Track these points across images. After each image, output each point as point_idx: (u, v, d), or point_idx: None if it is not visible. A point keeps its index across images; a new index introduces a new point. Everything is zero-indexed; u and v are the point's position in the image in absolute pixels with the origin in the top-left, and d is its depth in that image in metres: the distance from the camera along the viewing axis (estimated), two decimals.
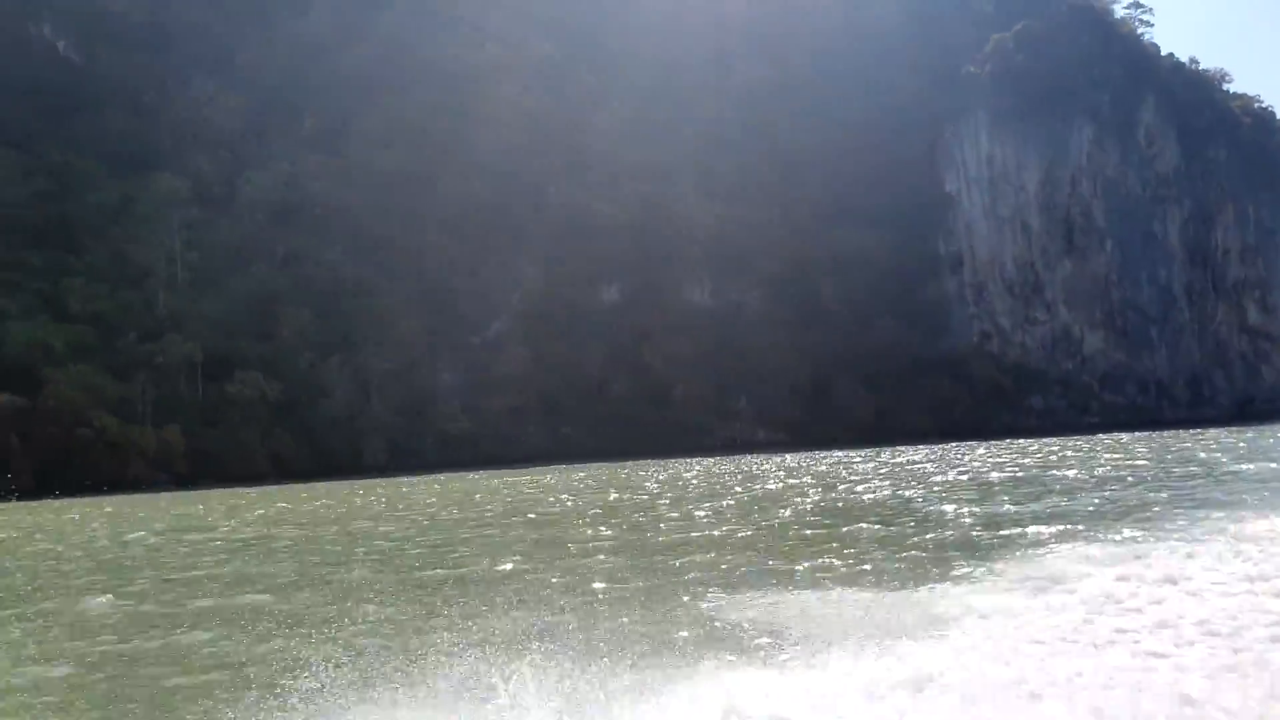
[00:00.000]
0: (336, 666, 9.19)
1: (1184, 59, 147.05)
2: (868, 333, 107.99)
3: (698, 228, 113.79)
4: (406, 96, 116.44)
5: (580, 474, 62.00)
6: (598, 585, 14.13)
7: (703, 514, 25.50)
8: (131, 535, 31.48)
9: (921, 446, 74.06)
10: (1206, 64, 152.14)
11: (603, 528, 23.34)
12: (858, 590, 12.24)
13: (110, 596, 16.03)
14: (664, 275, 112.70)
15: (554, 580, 14.88)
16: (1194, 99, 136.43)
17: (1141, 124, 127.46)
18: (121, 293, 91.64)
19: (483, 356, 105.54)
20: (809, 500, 28.77)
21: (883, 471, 42.82)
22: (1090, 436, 73.63)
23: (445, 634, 10.81)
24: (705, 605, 11.88)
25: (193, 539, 28.21)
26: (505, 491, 45.16)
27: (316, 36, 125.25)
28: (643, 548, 18.55)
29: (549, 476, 60.15)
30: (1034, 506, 22.50)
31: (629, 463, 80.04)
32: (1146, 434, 74.04)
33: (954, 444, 77.36)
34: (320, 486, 68.33)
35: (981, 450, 62.33)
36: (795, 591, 12.38)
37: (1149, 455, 44.83)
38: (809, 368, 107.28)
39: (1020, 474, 36.45)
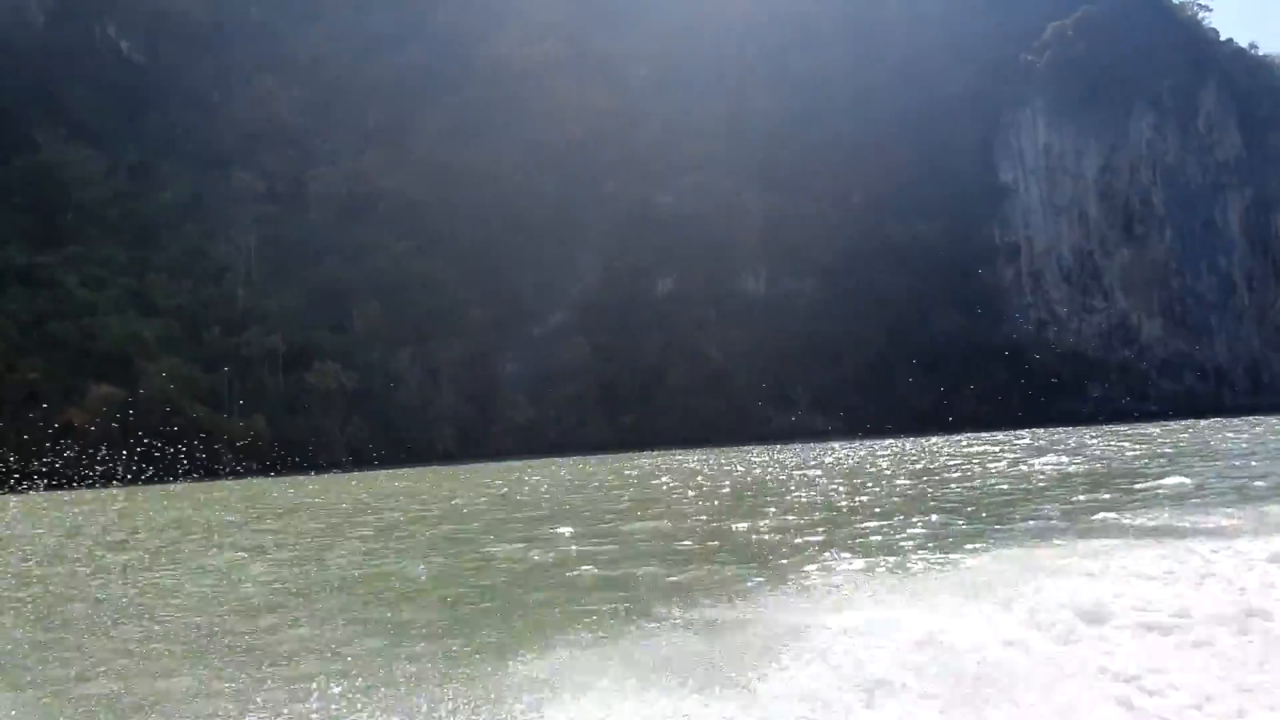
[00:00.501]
0: None
1: (1244, 44, 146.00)
2: (925, 321, 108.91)
3: (753, 218, 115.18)
4: (467, 92, 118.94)
5: (654, 460, 63.73)
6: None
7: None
8: (456, 500, 34.44)
9: (999, 434, 74.90)
10: (1267, 49, 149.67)
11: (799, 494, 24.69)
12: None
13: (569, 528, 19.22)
14: (720, 266, 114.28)
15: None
16: (1255, 85, 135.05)
17: (1202, 111, 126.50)
18: (202, 287, 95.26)
19: (544, 347, 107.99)
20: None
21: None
22: (1164, 423, 74.13)
23: None
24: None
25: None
26: (649, 473, 46.78)
27: (375, 33, 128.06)
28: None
29: (644, 461, 61.96)
30: None
31: (697, 450, 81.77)
32: (1225, 420, 74.21)
33: (1022, 431, 78.09)
34: (428, 471, 71.02)
35: (1059, 436, 63.05)
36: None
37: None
38: (866, 356, 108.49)
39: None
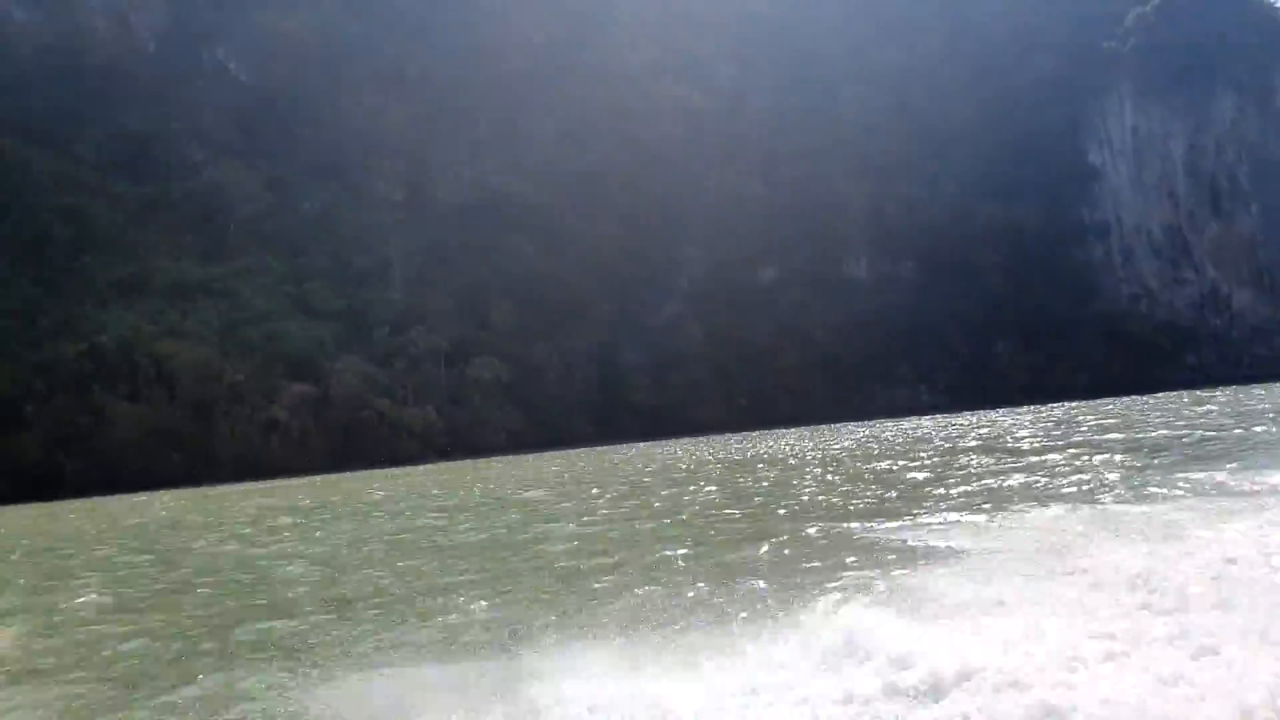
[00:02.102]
0: None
1: None
2: (1021, 298, 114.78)
3: (851, 206, 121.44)
4: (572, 97, 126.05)
5: (795, 437, 70.12)
6: None
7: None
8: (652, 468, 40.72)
9: (1110, 401, 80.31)
10: None
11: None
12: None
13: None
14: (820, 252, 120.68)
15: None
16: None
17: (1278, 90, 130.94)
18: (356, 292, 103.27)
19: (661, 336, 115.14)
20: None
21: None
22: (1264, 385, 79.32)
23: None
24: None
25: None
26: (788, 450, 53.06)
27: (478, 46, 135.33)
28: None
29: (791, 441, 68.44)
30: None
31: (806, 428, 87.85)
32: None
33: (1134, 398, 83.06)
34: (587, 452, 78.12)
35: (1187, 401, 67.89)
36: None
37: None
38: (966, 333, 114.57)
39: None
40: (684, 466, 39.87)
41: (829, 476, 25.49)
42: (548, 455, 79.02)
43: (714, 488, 25.54)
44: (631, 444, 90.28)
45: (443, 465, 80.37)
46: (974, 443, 36.17)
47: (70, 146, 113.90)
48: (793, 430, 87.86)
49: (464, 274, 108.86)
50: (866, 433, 61.83)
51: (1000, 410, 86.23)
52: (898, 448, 38.87)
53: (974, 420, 66.37)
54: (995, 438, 39.26)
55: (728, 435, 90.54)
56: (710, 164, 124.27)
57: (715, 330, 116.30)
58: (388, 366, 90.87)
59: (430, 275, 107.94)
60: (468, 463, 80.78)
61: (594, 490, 29.62)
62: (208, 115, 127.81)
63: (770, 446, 54.47)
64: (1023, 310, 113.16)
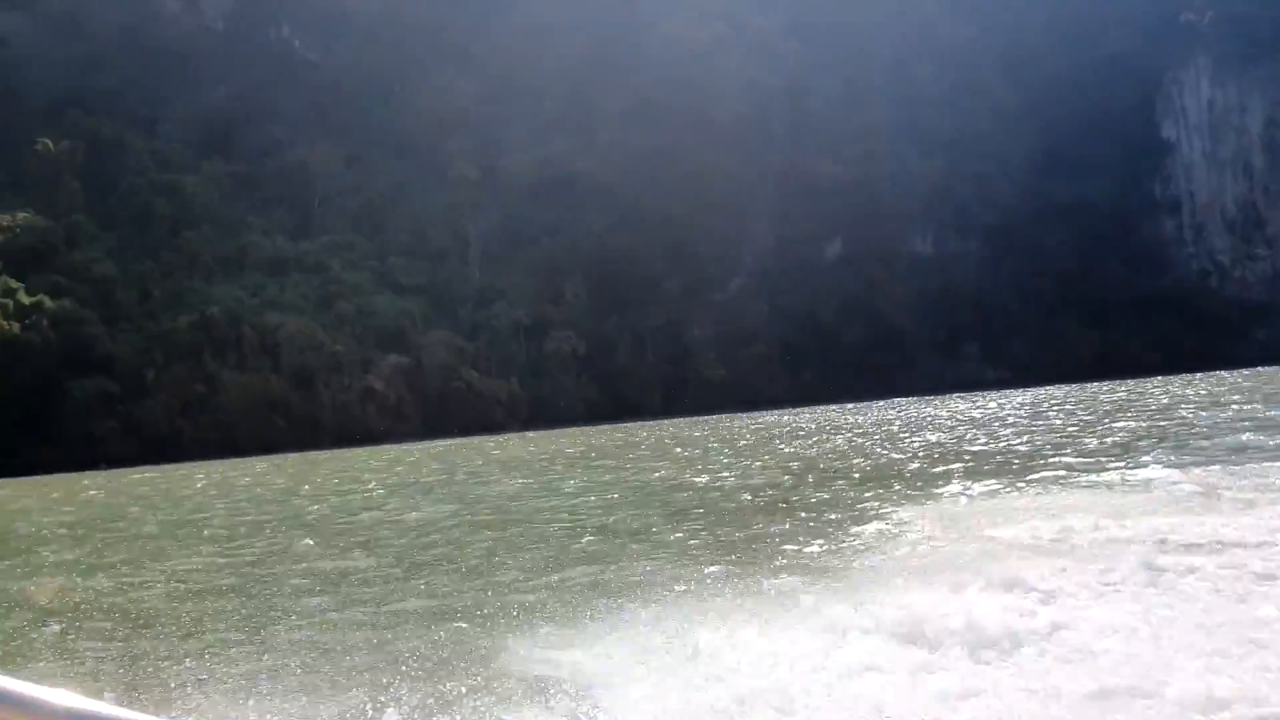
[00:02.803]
0: None
1: None
2: (1088, 274, 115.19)
3: (917, 182, 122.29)
4: (641, 75, 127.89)
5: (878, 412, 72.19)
6: None
7: None
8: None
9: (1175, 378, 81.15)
10: None
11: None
12: None
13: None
14: (886, 228, 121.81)
15: None
16: None
17: None
18: (436, 267, 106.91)
19: (728, 311, 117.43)
20: None
21: None
22: None
23: None
24: None
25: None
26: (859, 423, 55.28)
27: (546, 23, 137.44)
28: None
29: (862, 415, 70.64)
30: None
31: (875, 402, 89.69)
32: None
33: (1213, 373, 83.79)
34: (660, 424, 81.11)
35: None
36: None
37: None
38: (1033, 309, 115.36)
39: None
40: (805, 444, 42.60)
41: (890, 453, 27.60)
42: (629, 426, 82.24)
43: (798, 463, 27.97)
44: (702, 417, 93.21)
45: (530, 434, 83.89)
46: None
47: (157, 126, 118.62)
48: (856, 404, 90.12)
49: (538, 250, 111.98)
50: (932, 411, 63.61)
51: (1068, 386, 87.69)
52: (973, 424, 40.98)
53: (1042, 395, 68.09)
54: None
55: (797, 410, 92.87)
56: (776, 141, 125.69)
57: (781, 306, 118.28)
58: (473, 340, 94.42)
59: (506, 252, 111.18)
60: (552, 432, 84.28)
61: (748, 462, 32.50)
62: (280, 94, 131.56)
63: (837, 420, 56.89)
64: (1092, 287, 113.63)
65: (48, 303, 73.85)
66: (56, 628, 10.25)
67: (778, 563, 10.56)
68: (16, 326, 70.68)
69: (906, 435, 33.91)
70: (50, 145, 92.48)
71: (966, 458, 21.91)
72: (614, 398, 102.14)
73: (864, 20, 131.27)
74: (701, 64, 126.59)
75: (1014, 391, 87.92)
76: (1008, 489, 15.18)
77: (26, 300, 73.51)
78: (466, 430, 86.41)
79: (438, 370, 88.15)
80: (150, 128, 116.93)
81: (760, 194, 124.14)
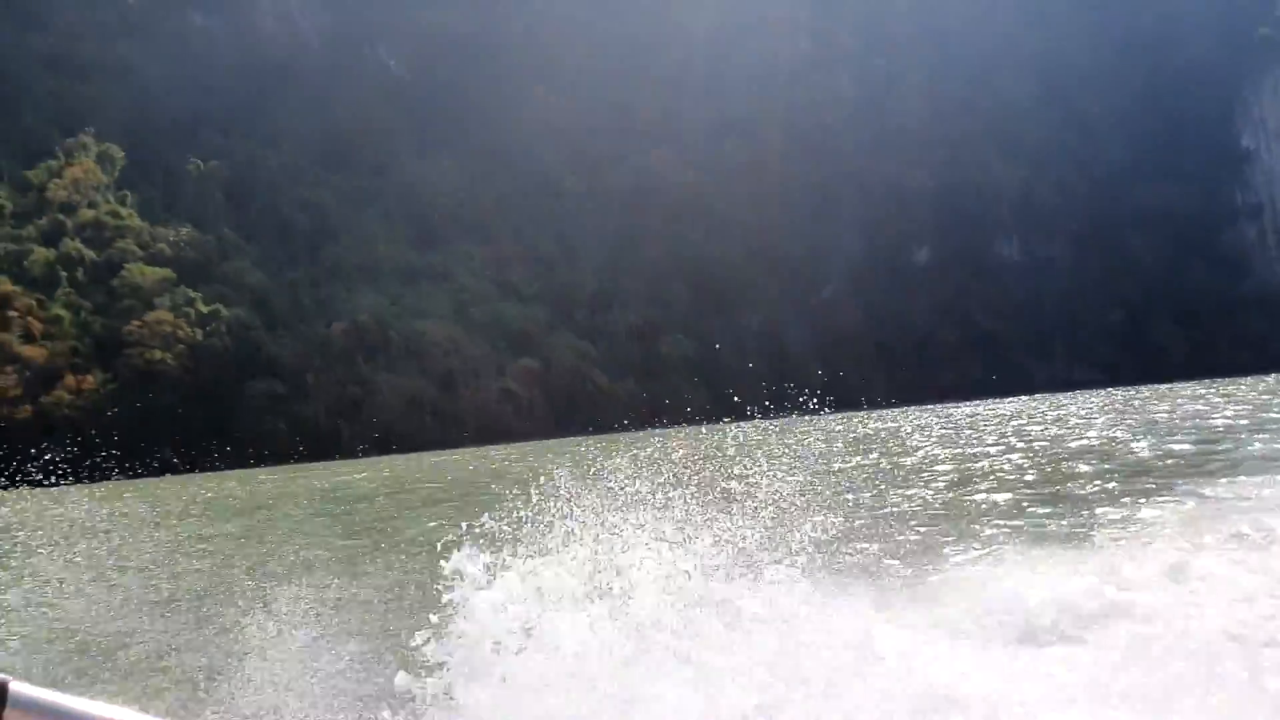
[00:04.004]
0: None
1: None
2: (1175, 278, 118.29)
3: (1002, 190, 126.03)
4: (731, 89, 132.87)
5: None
6: None
7: None
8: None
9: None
10: None
11: None
12: None
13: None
14: (974, 235, 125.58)
15: None
16: None
17: None
18: (549, 275, 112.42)
19: (823, 315, 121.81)
20: None
21: None
22: None
23: None
24: None
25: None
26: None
27: (636, 39, 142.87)
28: None
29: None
30: None
31: (966, 404, 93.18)
32: None
33: None
34: (769, 423, 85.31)
35: None
36: None
37: None
38: (1121, 312, 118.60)
39: None
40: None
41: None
42: (746, 425, 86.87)
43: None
44: (805, 416, 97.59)
45: (658, 431, 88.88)
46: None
47: (278, 143, 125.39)
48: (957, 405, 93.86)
49: (641, 257, 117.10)
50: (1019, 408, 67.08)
51: (1161, 386, 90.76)
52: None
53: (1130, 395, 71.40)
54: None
55: (896, 409, 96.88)
56: (863, 151, 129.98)
57: (875, 310, 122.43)
58: (593, 343, 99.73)
59: (611, 258, 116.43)
60: (672, 430, 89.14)
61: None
62: (379, 110, 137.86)
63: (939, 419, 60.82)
64: (1178, 290, 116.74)
65: (223, 311, 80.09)
66: None
67: None
68: (199, 333, 76.89)
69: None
70: (201, 164, 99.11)
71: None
72: (720, 400, 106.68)
73: (945, 33, 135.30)
74: (789, 78, 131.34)
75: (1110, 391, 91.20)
76: None
77: (204, 309, 79.76)
78: (593, 429, 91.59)
79: (565, 372, 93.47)
80: (272, 144, 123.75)
81: (849, 202, 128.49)
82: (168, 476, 71.36)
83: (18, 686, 0.84)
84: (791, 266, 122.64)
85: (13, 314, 74.39)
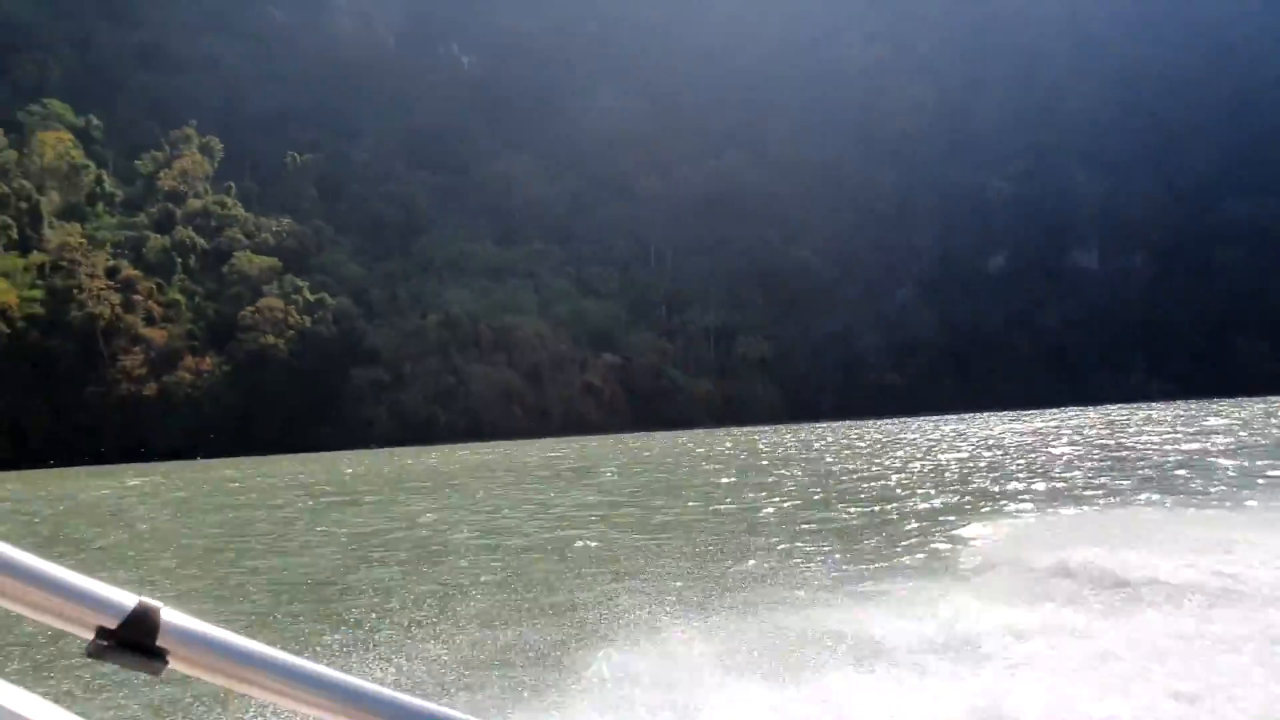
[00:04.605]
0: None
1: None
2: (1259, 292, 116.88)
3: (1081, 199, 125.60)
4: (807, 93, 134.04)
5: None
6: None
7: None
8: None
9: None
10: None
11: None
12: None
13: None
14: (1050, 244, 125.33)
15: None
16: None
17: None
18: (625, 275, 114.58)
19: (896, 320, 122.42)
20: None
21: None
22: None
23: None
24: None
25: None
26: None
27: (709, 43, 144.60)
28: None
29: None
30: None
31: (1035, 411, 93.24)
32: None
33: None
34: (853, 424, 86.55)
35: None
36: None
37: None
38: (1201, 324, 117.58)
39: None
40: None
41: None
42: (819, 426, 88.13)
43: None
44: (874, 420, 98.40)
45: (732, 429, 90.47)
46: None
47: (361, 138, 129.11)
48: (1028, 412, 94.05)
49: (716, 258, 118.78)
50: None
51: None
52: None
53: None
54: None
55: (968, 415, 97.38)
56: (939, 157, 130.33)
57: (948, 316, 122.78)
58: (671, 341, 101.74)
59: (686, 259, 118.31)
60: (744, 429, 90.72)
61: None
62: (453, 108, 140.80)
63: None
64: (1262, 304, 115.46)
65: (328, 299, 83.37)
66: None
67: None
68: (307, 320, 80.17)
69: None
70: (297, 157, 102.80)
71: None
72: (792, 400, 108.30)
73: (1025, 42, 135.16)
74: (866, 83, 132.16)
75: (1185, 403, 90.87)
76: None
77: (310, 297, 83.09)
78: (669, 425, 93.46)
79: (644, 369, 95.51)
80: (355, 139, 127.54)
81: (924, 208, 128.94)
82: (278, 454, 74.88)
83: (170, 614, 0.86)
84: (866, 271, 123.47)
85: (136, 297, 78.18)
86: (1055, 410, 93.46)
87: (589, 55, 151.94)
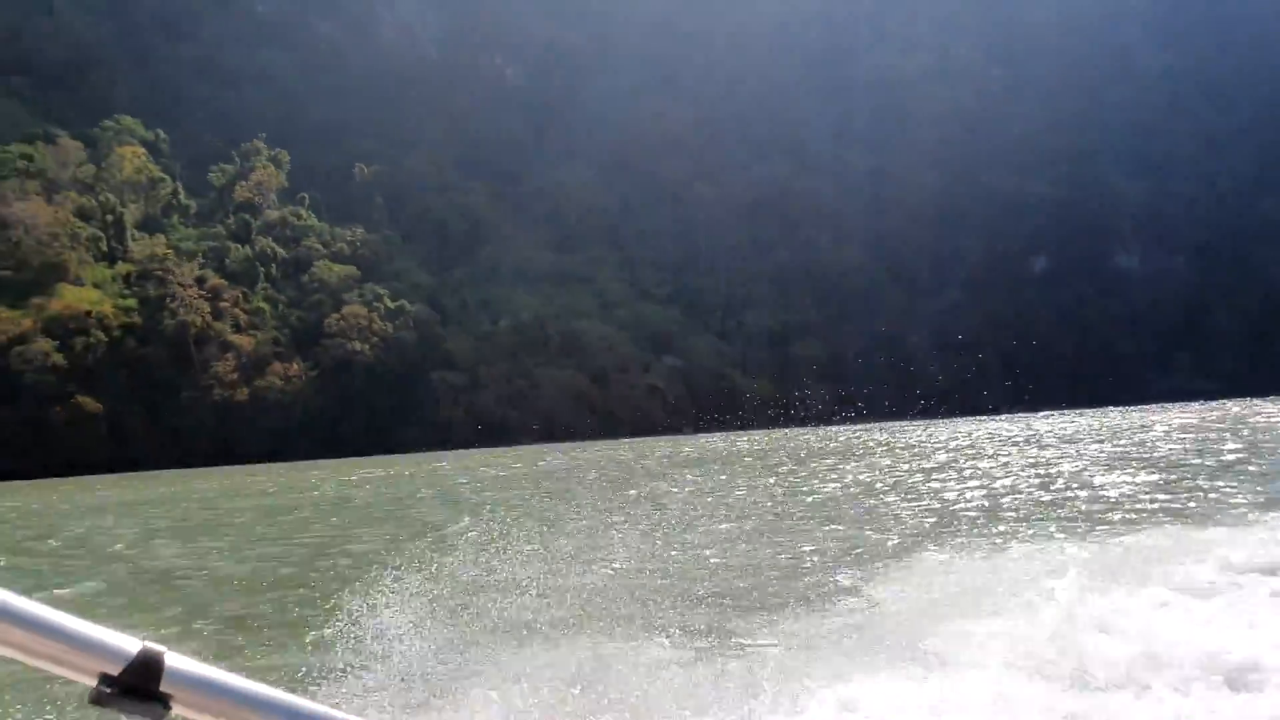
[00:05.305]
0: None
1: None
2: None
3: (1122, 201, 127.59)
4: (850, 101, 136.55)
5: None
6: None
7: None
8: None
9: None
10: None
11: None
12: None
13: None
14: (1093, 245, 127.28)
15: None
16: None
17: None
18: (679, 279, 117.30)
19: (943, 321, 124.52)
20: None
21: None
22: None
23: None
24: None
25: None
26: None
27: (753, 53, 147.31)
28: None
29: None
30: None
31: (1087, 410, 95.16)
32: None
33: None
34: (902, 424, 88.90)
35: None
36: None
37: None
38: (1246, 324, 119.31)
39: None
40: None
41: None
42: (882, 426, 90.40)
43: None
44: (927, 421, 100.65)
45: (791, 431, 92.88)
46: None
47: (415, 148, 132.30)
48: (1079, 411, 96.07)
49: (766, 263, 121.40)
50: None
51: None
52: None
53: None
54: None
55: (1021, 415, 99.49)
56: (982, 161, 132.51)
57: (995, 317, 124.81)
58: (730, 343, 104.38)
59: (736, 263, 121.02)
60: (805, 429, 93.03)
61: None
62: (495, 118, 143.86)
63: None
64: None
65: (407, 306, 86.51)
66: None
67: None
68: (389, 326, 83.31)
69: None
70: (364, 169, 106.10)
71: None
72: (847, 401, 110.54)
73: (1064, 46, 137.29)
74: (909, 89, 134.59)
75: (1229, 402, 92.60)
76: None
77: (391, 304, 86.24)
78: (729, 427, 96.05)
79: (705, 372, 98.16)
80: (410, 150, 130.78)
81: (966, 211, 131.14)
82: (362, 457, 77.86)
83: (173, 658, 0.87)
84: (911, 274, 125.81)
85: (223, 305, 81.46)
86: (1128, 408, 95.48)
87: (632, 64, 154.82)
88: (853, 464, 33.24)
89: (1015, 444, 39.10)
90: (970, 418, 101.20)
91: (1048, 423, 70.38)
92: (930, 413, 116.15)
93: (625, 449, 59.11)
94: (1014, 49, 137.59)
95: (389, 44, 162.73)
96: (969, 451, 37.26)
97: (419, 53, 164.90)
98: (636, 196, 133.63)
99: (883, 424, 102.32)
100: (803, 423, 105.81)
